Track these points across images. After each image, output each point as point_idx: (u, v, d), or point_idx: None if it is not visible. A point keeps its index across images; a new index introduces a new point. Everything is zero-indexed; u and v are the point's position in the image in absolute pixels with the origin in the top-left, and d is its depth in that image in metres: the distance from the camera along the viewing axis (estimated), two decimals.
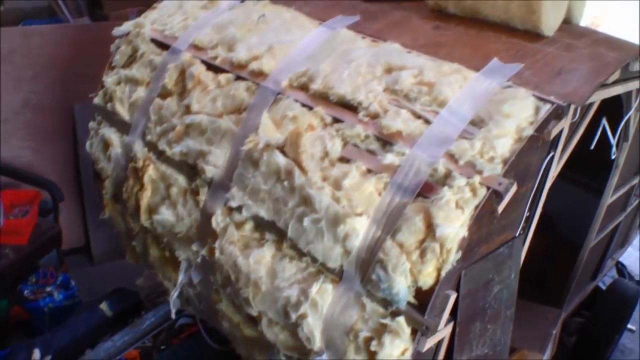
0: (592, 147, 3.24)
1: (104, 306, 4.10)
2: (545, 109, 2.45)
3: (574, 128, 2.90)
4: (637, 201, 4.78)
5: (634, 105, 3.46)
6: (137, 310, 4.11)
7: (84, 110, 4.93)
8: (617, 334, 4.81)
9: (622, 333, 4.94)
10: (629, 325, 5.22)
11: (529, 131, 2.38)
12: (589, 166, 3.63)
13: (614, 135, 3.38)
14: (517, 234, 2.71)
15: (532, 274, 2.86)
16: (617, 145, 3.52)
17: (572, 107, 2.57)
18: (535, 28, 2.95)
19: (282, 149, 2.65)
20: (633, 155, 4.02)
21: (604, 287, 5.10)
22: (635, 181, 4.44)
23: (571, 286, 4.14)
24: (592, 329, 4.67)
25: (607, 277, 5.40)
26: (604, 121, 3.25)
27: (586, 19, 3.73)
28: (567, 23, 3.19)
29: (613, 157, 3.60)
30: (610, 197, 3.96)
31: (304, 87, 2.83)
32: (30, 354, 3.73)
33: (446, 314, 2.33)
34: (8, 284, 4.38)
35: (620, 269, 5.71)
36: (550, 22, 2.95)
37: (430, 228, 2.24)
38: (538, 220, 2.86)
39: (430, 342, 2.33)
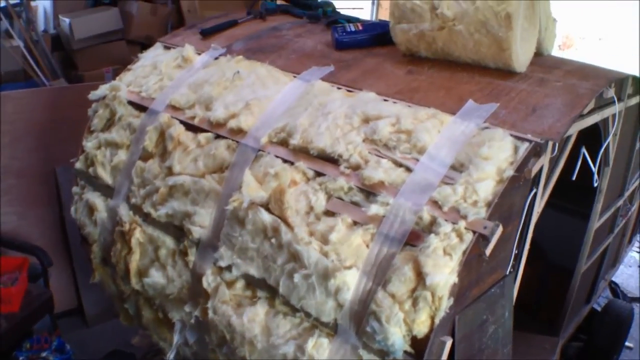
0: (574, 177, 3.26)
1: None
2: (524, 147, 2.48)
3: (554, 162, 2.93)
4: (623, 222, 4.80)
5: (611, 131, 3.49)
6: None
7: (66, 173, 4.93)
8: (615, 354, 4.82)
9: (620, 352, 4.95)
10: (627, 343, 5.23)
11: (510, 172, 2.40)
12: (574, 192, 3.65)
13: (594, 162, 3.40)
14: (507, 272, 2.72)
15: (526, 304, 2.86)
16: (598, 172, 3.54)
17: (550, 143, 2.60)
18: (507, 66, 2.98)
19: (266, 207, 2.66)
20: (616, 178, 4.05)
21: (599, 309, 5.12)
22: (620, 203, 4.47)
23: (566, 312, 4.15)
24: (591, 352, 4.67)
25: (601, 298, 5.41)
26: (584, 150, 3.27)
27: (558, 40, 3.75)
28: (539, 55, 3.22)
29: (595, 184, 3.62)
30: (597, 222, 3.98)
31: (283, 143, 2.85)
32: None
33: None
34: (2, 351, 4.33)
35: (614, 288, 5.73)
36: (521, 58, 2.98)
37: (420, 277, 2.25)
38: (528, 250, 2.88)
39: None
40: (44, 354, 4.40)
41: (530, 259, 2.95)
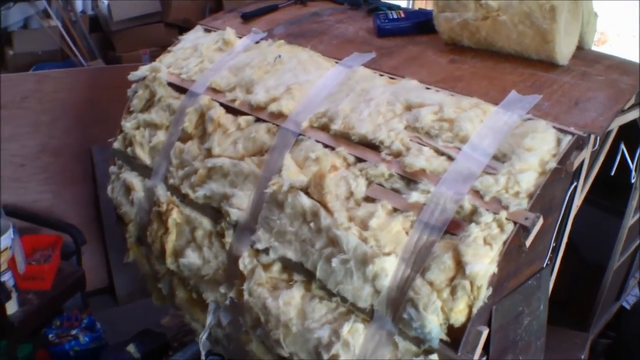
0: (613, 172, 3.24)
1: (131, 348, 4.09)
2: (567, 140, 2.47)
3: (594, 157, 2.91)
4: None
5: None
6: (164, 351, 4.10)
7: (102, 152, 4.96)
8: None
9: None
10: None
11: (552, 164, 2.39)
12: (610, 188, 3.63)
13: (632, 158, 3.38)
14: (544, 265, 2.72)
15: (558, 298, 2.86)
16: (636, 169, 3.52)
17: (592, 137, 2.58)
18: (550, 58, 2.96)
19: (306, 191, 2.67)
20: None
21: (628, 307, 5.08)
22: None
23: (597, 309, 4.13)
24: (620, 349, 4.64)
25: (630, 296, 5.37)
26: (623, 147, 3.25)
27: None
28: (580, 49, 3.21)
29: (633, 180, 3.60)
30: (631, 219, 3.96)
31: (324, 128, 2.85)
32: None
33: (479, 350, 2.33)
34: (32, 328, 4.36)
35: None
36: (564, 50, 2.96)
37: (459, 265, 2.25)
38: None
39: None
40: (74, 332, 4.42)
41: (563, 254, 2.94)
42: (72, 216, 4.98)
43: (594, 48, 3.42)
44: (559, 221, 2.71)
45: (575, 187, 2.72)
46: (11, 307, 4.11)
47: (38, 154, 4.92)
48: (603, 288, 4.12)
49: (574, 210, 2.80)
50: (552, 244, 2.74)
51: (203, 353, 3.29)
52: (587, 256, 4.20)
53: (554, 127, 2.52)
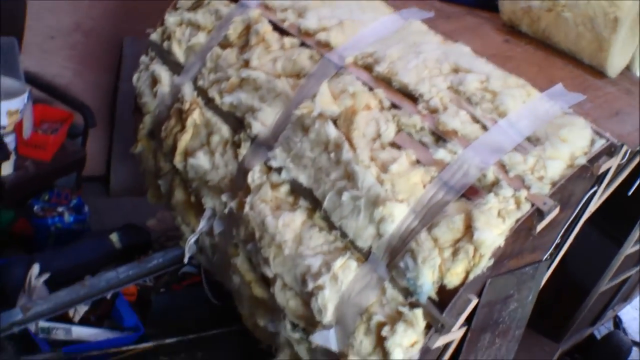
0: (630, 193, 3.23)
1: (114, 237, 4.08)
2: (600, 143, 2.47)
3: (619, 170, 2.90)
4: None
5: None
6: (145, 249, 4.10)
7: (133, 44, 4.94)
8: None
9: None
10: None
11: (582, 160, 2.39)
12: (613, 213, 3.62)
13: None
14: (544, 258, 2.72)
15: (538, 305, 2.87)
16: None
17: (625, 148, 2.58)
18: (601, 66, 2.96)
19: (335, 122, 2.66)
20: None
21: (598, 336, 5.11)
22: None
23: (573, 325, 4.15)
24: None
25: (603, 327, 5.40)
26: None
27: None
28: (627, 70, 3.20)
29: None
30: (630, 247, 3.96)
31: (368, 68, 2.83)
32: (28, 268, 3.70)
33: (463, 317, 2.34)
34: (20, 196, 4.36)
35: (617, 323, 5.71)
36: (615, 63, 2.96)
37: (468, 230, 2.25)
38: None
39: (441, 341, 2.35)
40: (60, 209, 4.41)
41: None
42: (86, 99, 4.93)
43: None
44: (570, 220, 2.71)
45: (595, 193, 2.72)
46: (6, 169, 4.12)
47: (70, 31, 4.88)
48: (583, 308, 4.13)
49: (587, 214, 2.79)
50: (557, 241, 2.73)
51: (187, 255, 3.29)
52: (576, 274, 4.20)
53: (592, 127, 2.51)
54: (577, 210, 2.69)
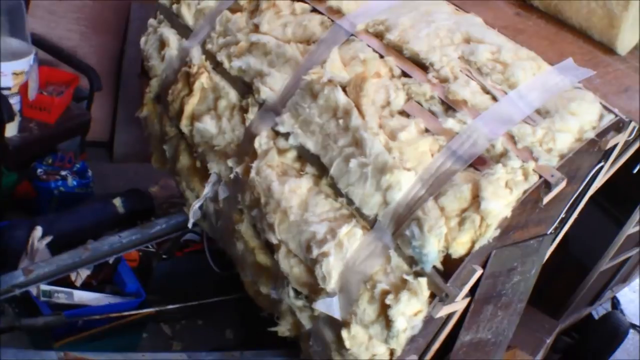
0: (635, 170, 3.23)
1: (117, 202, 4.08)
2: (609, 118, 2.46)
3: (626, 146, 2.89)
4: None
5: None
6: (148, 214, 4.09)
7: (140, 10, 4.91)
8: None
9: None
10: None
11: (590, 134, 2.39)
12: (616, 192, 3.62)
13: None
14: (549, 232, 2.71)
15: (539, 281, 2.86)
16: None
17: (633, 124, 2.57)
18: (611, 43, 2.94)
19: (344, 88, 2.64)
20: None
21: (596, 316, 5.13)
22: None
23: (572, 303, 4.15)
24: (579, 352, 4.69)
25: (600, 308, 5.41)
26: None
27: None
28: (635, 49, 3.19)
29: None
30: (632, 227, 3.96)
31: (379, 35, 2.82)
32: (30, 230, 3.70)
33: (467, 288, 2.34)
34: (23, 159, 4.35)
35: (615, 304, 5.73)
36: (626, 41, 2.94)
37: (475, 200, 2.24)
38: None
39: (444, 311, 2.35)
40: (63, 173, 4.41)
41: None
42: (92, 63, 4.91)
43: None
44: (576, 195, 2.70)
45: (601, 168, 2.71)
46: (10, 131, 4.12)
47: None
48: (583, 287, 4.14)
49: (593, 189, 2.78)
50: (562, 215, 2.73)
51: (191, 221, 3.27)
52: (576, 252, 4.19)
53: (600, 102, 2.50)
54: (583, 185, 2.69)
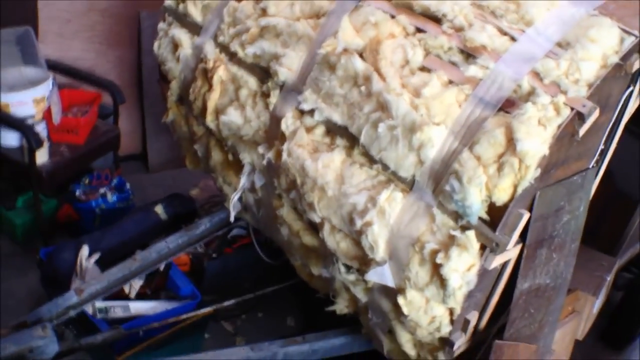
0: None
1: (159, 209, 4.08)
2: (630, 40, 2.42)
3: None
4: None
5: None
6: (191, 217, 4.09)
7: (150, 18, 4.91)
8: None
9: None
10: None
11: (614, 59, 2.35)
12: None
13: None
14: (590, 166, 2.66)
15: (588, 220, 2.81)
16: None
17: None
18: None
19: (360, 54, 2.62)
20: None
21: None
22: None
23: (626, 238, 4.08)
24: None
25: None
26: None
27: None
28: None
29: None
30: None
31: None
32: (77, 251, 3.70)
33: (517, 234, 2.30)
34: (60, 182, 4.36)
35: None
36: None
37: (510, 142, 2.21)
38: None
39: (497, 261, 2.32)
40: (102, 190, 4.43)
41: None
42: (112, 78, 4.91)
43: None
44: (612, 123, 2.65)
45: (632, 92, 2.65)
46: (41, 157, 4.11)
47: (86, 12, 4.85)
48: (633, 221, 4.07)
49: (627, 115, 2.73)
50: (601, 147, 2.68)
51: (233, 214, 3.27)
52: (621, 187, 4.13)
53: (619, 27, 2.45)
54: (616, 112, 2.64)
